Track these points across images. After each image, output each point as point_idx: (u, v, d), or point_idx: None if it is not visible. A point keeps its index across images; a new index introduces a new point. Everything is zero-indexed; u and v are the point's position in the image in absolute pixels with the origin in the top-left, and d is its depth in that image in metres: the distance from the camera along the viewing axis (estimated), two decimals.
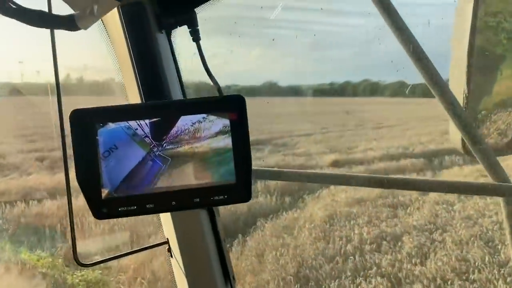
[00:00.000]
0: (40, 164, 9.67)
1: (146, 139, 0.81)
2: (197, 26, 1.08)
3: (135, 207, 0.82)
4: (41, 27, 0.87)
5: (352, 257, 6.26)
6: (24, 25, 0.81)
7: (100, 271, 6.72)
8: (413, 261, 6.03)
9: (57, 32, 0.97)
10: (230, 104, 0.83)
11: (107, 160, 0.80)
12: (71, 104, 0.92)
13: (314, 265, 6.13)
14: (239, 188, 0.83)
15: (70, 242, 1.19)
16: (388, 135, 16.00)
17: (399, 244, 6.58)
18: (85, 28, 0.87)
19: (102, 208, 0.81)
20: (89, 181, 0.80)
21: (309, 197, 8.96)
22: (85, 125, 0.79)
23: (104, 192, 0.81)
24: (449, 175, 10.12)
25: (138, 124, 0.81)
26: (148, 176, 0.82)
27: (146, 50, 1.12)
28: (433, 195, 8.47)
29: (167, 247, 1.34)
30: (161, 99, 1.13)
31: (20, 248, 6.73)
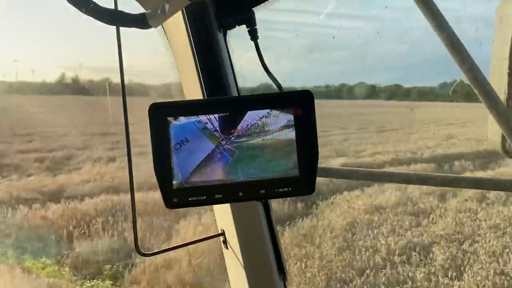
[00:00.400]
0: None
1: (215, 132, 0.85)
2: (255, 25, 1.12)
3: (204, 197, 0.86)
4: (113, 24, 0.95)
5: (383, 269, 5.93)
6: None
7: (111, 282, 6.32)
8: (449, 275, 5.71)
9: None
10: (296, 100, 0.86)
11: (178, 152, 0.85)
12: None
13: (343, 278, 5.78)
14: (303, 181, 0.86)
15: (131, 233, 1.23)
16: (393, 139, 15.82)
17: (430, 255, 6.27)
18: (155, 26, 0.91)
19: (173, 198, 0.86)
20: (162, 171, 0.84)
21: (323, 203, 8.65)
22: (159, 118, 0.84)
23: (175, 183, 0.85)
24: None
25: (208, 119, 0.85)
26: (216, 168, 0.86)
27: (208, 48, 1.17)
28: (453, 202, 8.25)
29: (221, 239, 1.39)
30: (222, 95, 1.19)
31: None
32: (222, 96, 1.16)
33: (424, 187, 8.25)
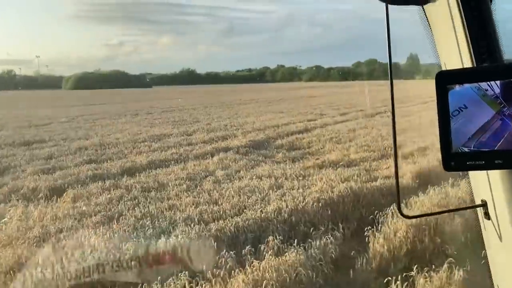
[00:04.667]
0: None
1: (496, 99, 0.86)
2: None
3: (483, 162, 0.88)
4: (385, 1, 1.07)
5: None
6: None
7: None
8: None
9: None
10: None
11: (456, 118, 0.89)
12: None
13: None
14: None
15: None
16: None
17: None
18: (434, 1, 1.07)
19: (451, 161, 0.91)
20: (442, 136, 0.91)
21: None
22: (441, 86, 0.90)
23: (453, 147, 0.90)
24: None
25: (488, 85, 0.86)
26: (496, 134, 0.86)
27: (479, 16, 1.15)
28: None
29: (482, 210, 1.32)
30: (494, 63, 1.14)
31: None
32: (500, 63, 1.13)
33: None
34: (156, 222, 7.04)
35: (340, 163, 11.70)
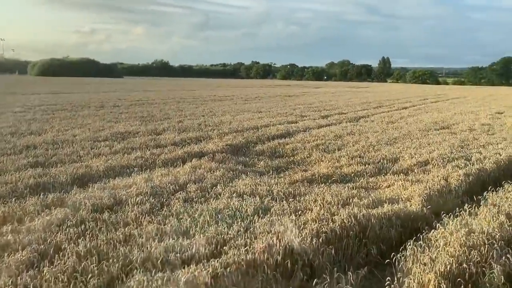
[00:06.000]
0: None
1: None
2: None
3: None
4: None
5: None
6: None
7: None
8: None
9: None
10: None
11: None
12: None
13: None
14: None
15: None
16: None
17: None
18: None
19: None
20: None
21: None
22: None
23: None
24: None
25: None
26: None
27: None
28: None
29: None
30: None
31: None
32: None
33: None
34: (104, 265, 5.17)
35: (333, 178, 10.10)
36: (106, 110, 25.54)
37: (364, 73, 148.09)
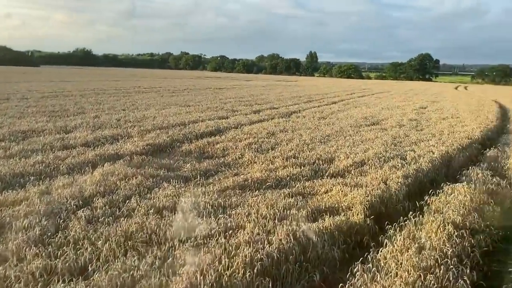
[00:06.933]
0: None
1: None
2: None
3: None
4: None
5: None
6: None
7: None
8: None
9: None
10: None
11: None
12: None
13: None
14: None
15: None
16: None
17: None
18: None
19: None
20: None
21: None
22: None
23: None
24: None
25: None
26: None
27: None
28: None
29: None
30: None
31: None
32: None
33: None
34: None
35: (267, 183, 9.08)
36: (11, 103, 22.45)
37: (293, 67, 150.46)
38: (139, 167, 9.93)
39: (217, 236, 5.89)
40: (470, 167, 11.20)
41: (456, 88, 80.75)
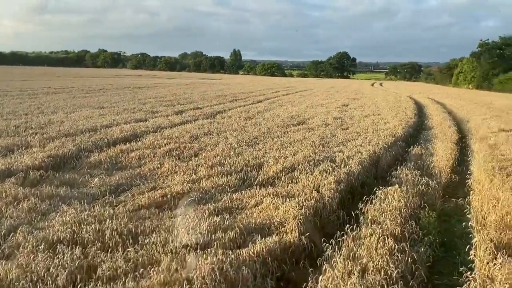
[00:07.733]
0: None
1: None
2: None
3: None
4: None
5: None
6: None
7: None
8: None
9: None
10: None
11: None
12: None
13: None
14: None
15: None
16: None
17: None
18: None
19: None
20: None
21: None
22: None
23: None
24: None
25: None
26: None
27: None
28: None
29: None
30: None
31: None
32: None
33: None
34: None
35: (190, 197, 8.00)
36: None
37: (217, 65, 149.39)
38: (35, 185, 8.33)
39: (123, 278, 4.73)
40: (398, 167, 11.05)
41: (372, 85, 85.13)
